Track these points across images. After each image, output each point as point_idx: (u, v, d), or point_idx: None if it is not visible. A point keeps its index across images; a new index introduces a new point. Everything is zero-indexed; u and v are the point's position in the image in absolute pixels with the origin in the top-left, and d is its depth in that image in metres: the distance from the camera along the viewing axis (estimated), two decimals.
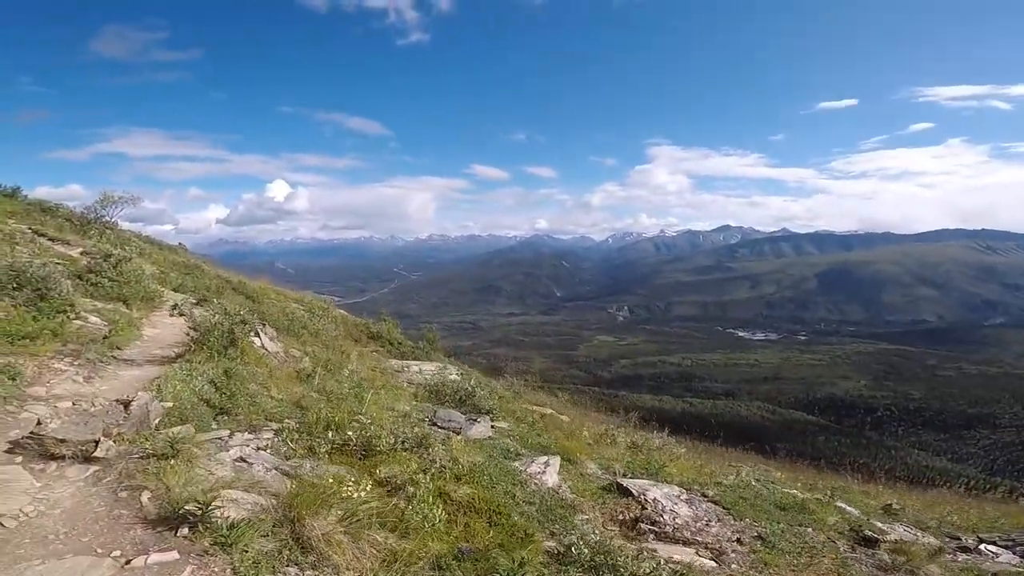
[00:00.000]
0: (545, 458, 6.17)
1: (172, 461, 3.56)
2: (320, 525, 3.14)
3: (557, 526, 4.66)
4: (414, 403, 7.70)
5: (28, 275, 6.87)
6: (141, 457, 3.70)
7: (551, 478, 5.77)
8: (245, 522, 3.02)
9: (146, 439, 3.84)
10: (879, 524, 6.82)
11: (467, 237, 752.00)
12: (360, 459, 4.63)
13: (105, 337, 6.55)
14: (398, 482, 4.27)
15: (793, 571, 4.88)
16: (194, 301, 11.31)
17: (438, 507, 3.93)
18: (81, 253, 11.34)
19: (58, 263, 9.08)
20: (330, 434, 4.75)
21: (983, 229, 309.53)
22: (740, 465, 9.74)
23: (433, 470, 4.61)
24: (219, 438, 4.43)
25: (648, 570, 3.79)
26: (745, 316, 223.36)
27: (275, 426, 4.99)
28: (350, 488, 3.57)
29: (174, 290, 11.60)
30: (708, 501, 6.18)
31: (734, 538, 5.34)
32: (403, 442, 4.98)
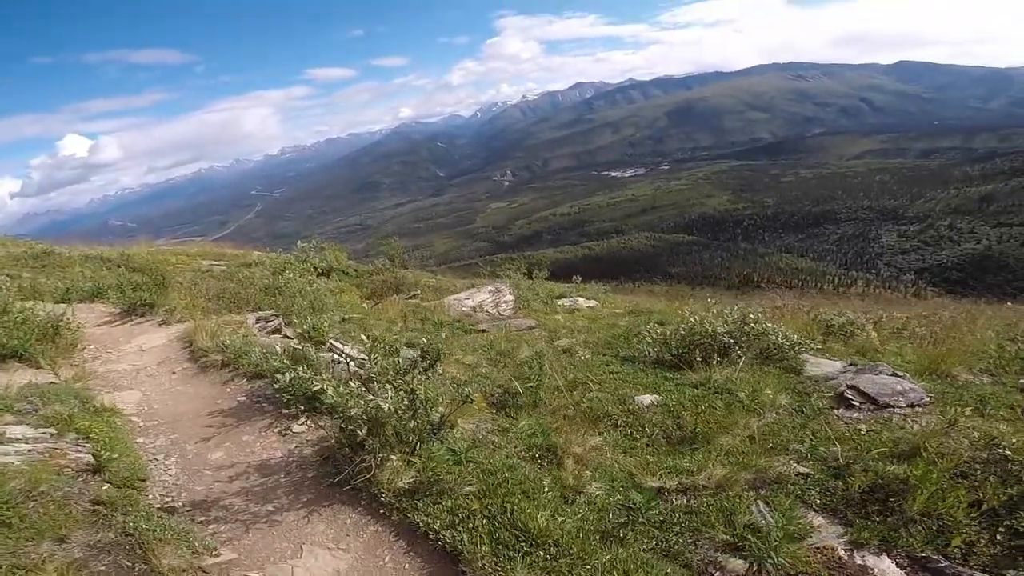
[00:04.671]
0: None
1: None
2: None
3: None
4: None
5: None
6: None
7: None
8: None
9: None
10: None
11: (325, 142, 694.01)
12: None
13: (94, 470, 3.29)
14: None
15: None
16: (118, 311, 7.43)
17: None
18: None
19: None
20: None
21: (792, 62, 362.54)
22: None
23: None
24: None
25: None
26: (613, 158, 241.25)
27: None
28: None
29: (61, 301, 7.38)
30: None
31: None
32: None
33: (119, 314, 7.43)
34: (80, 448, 3.44)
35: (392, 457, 3.29)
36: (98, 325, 7.01)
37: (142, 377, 5.40)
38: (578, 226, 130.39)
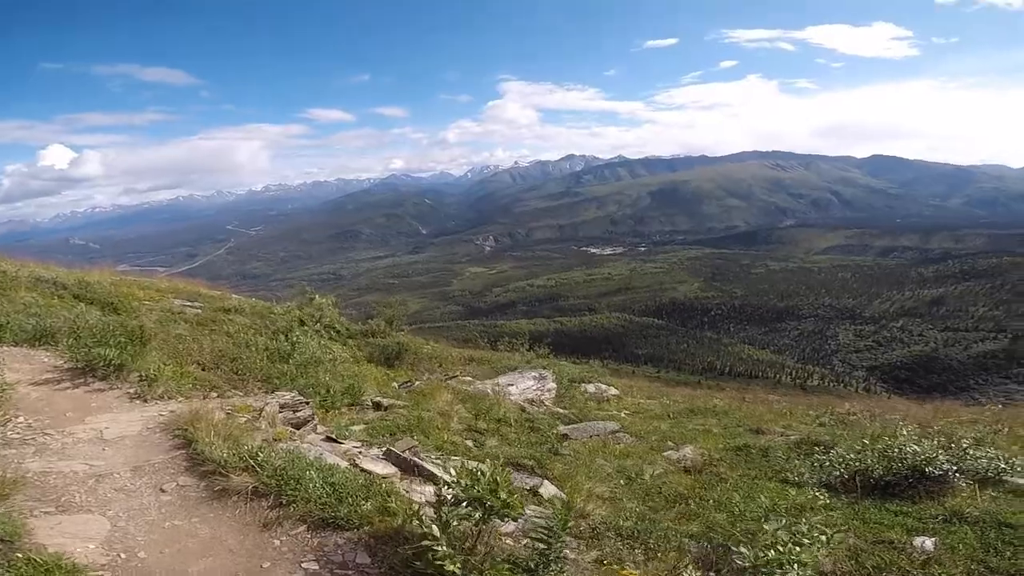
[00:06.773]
0: None
1: None
2: None
3: None
4: None
5: None
6: None
7: None
8: None
9: None
10: None
11: (312, 184, 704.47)
12: None
13: None
14: None
15: None
16: (68, 366, 5.40)
17: None
18: None
19: None
20: None
21: (773, 151, 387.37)
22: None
23: None
24: None
25: None
26: (595, 234, 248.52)
27: None
28: None
29: None
30: None
31: None
32: None
33: (70, 371, 5.29)
34: None
35: None
36: (36, 383, 4.92)
37: (107, 491, 3.27)
38: (553, 299, 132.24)
